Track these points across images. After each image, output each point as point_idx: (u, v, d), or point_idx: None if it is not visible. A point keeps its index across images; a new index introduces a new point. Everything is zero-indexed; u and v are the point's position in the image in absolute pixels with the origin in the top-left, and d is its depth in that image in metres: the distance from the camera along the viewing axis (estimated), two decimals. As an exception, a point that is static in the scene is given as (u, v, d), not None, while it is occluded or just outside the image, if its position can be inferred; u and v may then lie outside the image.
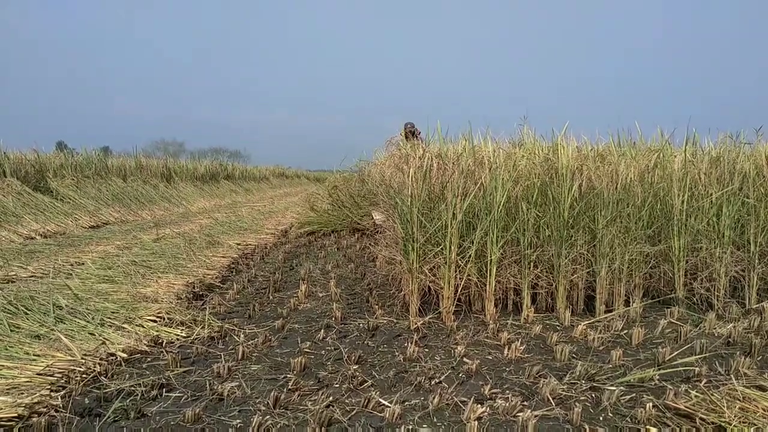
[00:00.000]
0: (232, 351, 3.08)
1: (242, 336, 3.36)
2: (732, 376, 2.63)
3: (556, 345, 3.13)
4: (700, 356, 2.96)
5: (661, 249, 4.11)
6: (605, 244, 3.90)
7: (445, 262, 3.75)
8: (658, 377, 2.69)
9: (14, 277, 4.91)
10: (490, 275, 3.81)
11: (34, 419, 2.22)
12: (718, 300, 4.04)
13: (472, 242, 3.80)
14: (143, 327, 3.40)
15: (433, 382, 2.66)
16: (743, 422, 2.20)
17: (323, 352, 3.12)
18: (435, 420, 2.29)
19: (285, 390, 2.54)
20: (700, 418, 2.25)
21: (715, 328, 3.50)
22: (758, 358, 2.97)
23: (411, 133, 9.00)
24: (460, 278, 3.78)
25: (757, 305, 4.02)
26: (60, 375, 2.63)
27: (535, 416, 2.26)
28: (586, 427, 2.21)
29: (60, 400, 2.38)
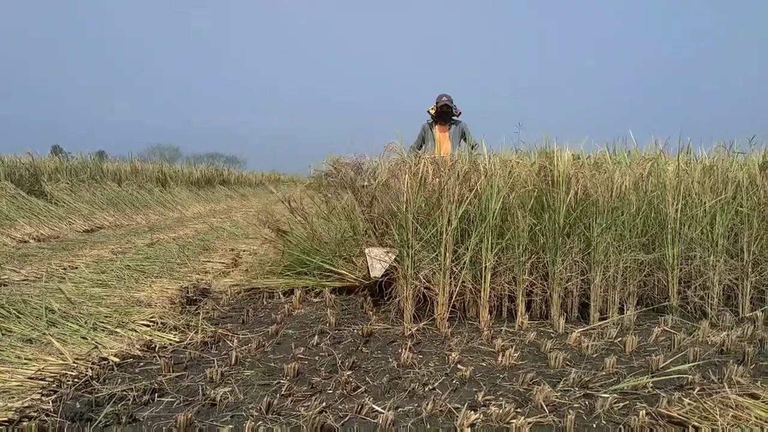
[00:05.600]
0: (225, 356, 3.06)
1: (236, 341, 3.35)
2: (725, 384, 2.63)
3: (550, 352, 3.13)
4: (693, 364, 2.96)
5: (655, 257, 4.13)
6: (600, 251, 3.90)
7: (440, 269, 3.75)
8: (651, 385, 2.69)
9: (6, 280, 4.88)
10: (484, 282, 3.81)
11: (24, 423, 2.20)
12: (711, 308, 4.05)
13: (467, 249, 3.81)
14: (136, 331, 3.38)
15: (426, 389, 2.65)
16: (736, 430, 2.20)
17: (317, 357, 3.11)
18: (428, 426, 2.28)
19: (278, 395, 2.53)
20: (694, 426, 2.25)
21: (708, 337, 3.50)
22: (751, 367, 2.98)
23: (445, 112, 6.12)
24: (454, 285, 3.78)
25: (751, 314, 4.04)
26: (51, 379, 2.61)
27: (529, 423, 2.26)
28: (580, 434, 2.21)
29: (51, 404, 2.36)
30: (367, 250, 4.18)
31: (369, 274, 4.08)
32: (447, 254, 3.74)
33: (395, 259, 3.95)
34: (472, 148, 6.02)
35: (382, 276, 3.95)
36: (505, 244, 3.88)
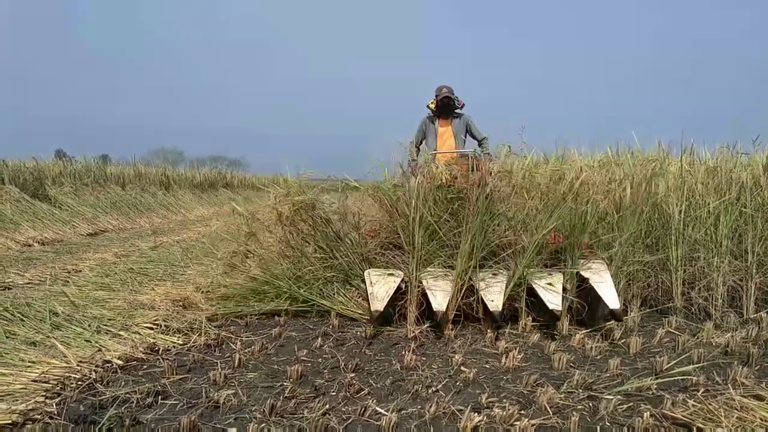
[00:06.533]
0: (229, 358, 3.06)
1: (239, 344, 3.35)
2: (730, 385, 2.63)
3: (553, 354, 3.12)
4: (697, 366, 2.95)
5: (659, 258, 4.12)
6: (605, 255, 3.90)
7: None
8: (655, 386, 2.69)
9: (11, 284, 4.89)
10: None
11: (28, 426, 2.21)
12: (715, 309, 4.04)
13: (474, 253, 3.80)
14: (140, 334, 3.38)
15: (430, 391, 2.65)
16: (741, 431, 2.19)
17: (320, 360, 3.11)
18: (431, 429, 2.27)
19: (281, 398, 2.52)
20: (698, 428, 2.24)
21: (712, 338, 3.49)
22: (756, 368, 2.97)
23: (446, 104, 5.55)
24: (460, 287, 3.77)
25: (755, 315, 4.02)
26: (55, 382, 2.62)
27: (532, 425, 2.25)
28: (584, 436, 2.20)
29: (55, 407, 2.37)
30: (366, 273, 3.77)
31: (369, 306, 3.57)
32: (462, 260, 3.69)
33: (402, 280, 3.65)
34: (479, 143, 5.69)
35: (385, 308, 3.47)
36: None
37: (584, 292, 3.72)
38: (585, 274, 3.71)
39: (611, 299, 3.47)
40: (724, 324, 3.89)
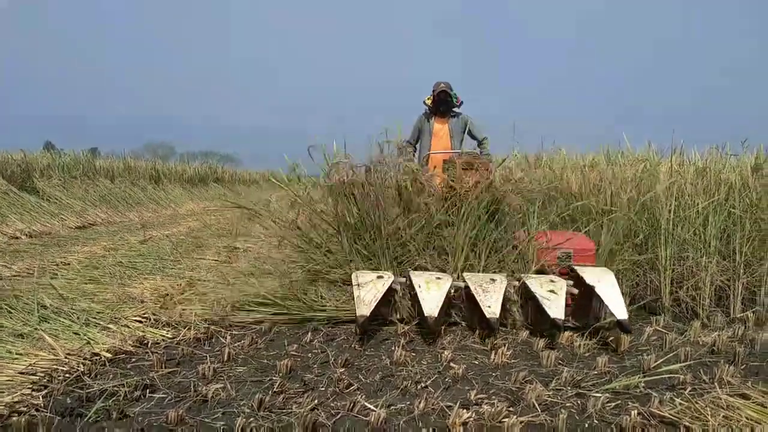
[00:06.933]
0: (218, 353, 3.05)
1: (228, 338, 3.34)
2: (716, 384, 2.65)
3: (542, 351, 3.14)
4: (684, 364, 2.98)
5: (648, 258, 4.15)
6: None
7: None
8: (643, 384, 2.70)
9: (-2, 276, 4.85)
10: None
11: (14, 418, 2.19)
12: (703, 309, 4.08)
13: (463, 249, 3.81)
14: (129, 327, 3.37)
15: (419, 387, 2.65)
16: (727, 430, 2.21)
17: (310, 355, 3.11)
18: (420, 424, 2.28)
19: (270, 392, 2.52)
20: (685, 426, 2.26)
21: (700, 337, 3.52)
22: (742, 367, 2.99)
23: (443, 100, 5.30)
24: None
25: (742, 314, 4.06)
26: (42, 374, 2.60)
27: (521, 422, 2.26)
28: (571, 432, 2.21)
29: (41, 399, 2.35)
30: (354, 275, 3.59)
31: (355, 311, 3.35)
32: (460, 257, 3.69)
33: (392, 283, 3.52)
34: (479, 144, 5.43)
35: (372, 312, 3.31)
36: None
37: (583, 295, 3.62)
38: (590, 281, 3.52)
39: (619, 310, 3.28)
40: (711, 323, 3.93)
